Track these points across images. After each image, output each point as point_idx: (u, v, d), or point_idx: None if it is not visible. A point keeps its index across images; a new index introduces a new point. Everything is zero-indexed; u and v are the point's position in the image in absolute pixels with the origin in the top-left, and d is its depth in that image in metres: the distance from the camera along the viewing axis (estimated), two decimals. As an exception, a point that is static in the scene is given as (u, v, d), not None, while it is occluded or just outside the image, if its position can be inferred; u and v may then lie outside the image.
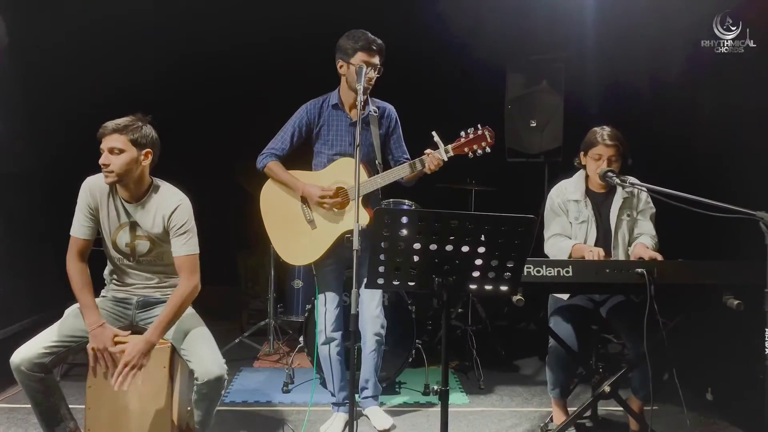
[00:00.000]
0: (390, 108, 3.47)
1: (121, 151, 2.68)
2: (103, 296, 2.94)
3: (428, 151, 3.18)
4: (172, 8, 4.73)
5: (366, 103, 3.33)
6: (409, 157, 3.44)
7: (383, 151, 3.44)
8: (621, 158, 3.13)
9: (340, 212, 3.29)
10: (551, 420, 3.42)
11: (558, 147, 4.79)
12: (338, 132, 3.37)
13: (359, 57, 3.20)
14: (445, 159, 3.17)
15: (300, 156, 3.48)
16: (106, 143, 2.68)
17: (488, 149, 3.16)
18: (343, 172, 3.29)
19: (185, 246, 2.78)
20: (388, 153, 3.48)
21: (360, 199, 3.15)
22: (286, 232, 3.37)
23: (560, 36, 4.84)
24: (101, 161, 2.67)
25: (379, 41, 3.23)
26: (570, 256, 3.08)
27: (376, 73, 3.23)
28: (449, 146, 3.16)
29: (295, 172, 3.37)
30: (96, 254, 2.90)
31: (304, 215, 3.34)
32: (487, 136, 3.15)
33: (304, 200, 3.34)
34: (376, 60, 3.22)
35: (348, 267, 3.39)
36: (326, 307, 3.37)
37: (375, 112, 3.38)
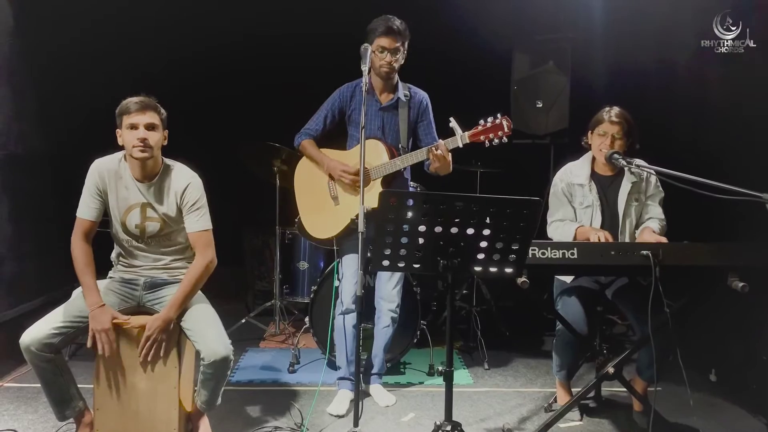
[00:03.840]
0: (422, 95, 3.52)
1: (156, 127, 2.73)
2: (111, 277, 2.96)
3: (438, 142, 3.20)
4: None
5: (396, 87, 3.45)
6: (437, 142, 3.47)
7: (413, 138, 3.52)
8: (626, 138, 3.11)
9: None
10: (555, 400, 3.45)
11: (564, 128, 4.76)
12: (367, 116, 3.40)
13: (377, 43, 3.28)
14: (461, 146, 3.18)
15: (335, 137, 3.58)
16: (141, 119, 2.69)
17: (505, 139, 3.16)
18: (366, 153, 3.33)
19: (199, 222, 2.83)
20: (417, 140, 3.53)
21: (379, 180, 3.33)
22: (313, 207, 3.54)
23: (567, 16, 4.79)
24: (140, 136, 2.68)
25: (398, 25, 3.27)
26: (574, 239, 3.08)
27: (393, 56, 3.29)
28: (466, 133, 3.17)
29: (326, 150, 3.51)
30: (101, 236, 2.92)
31: (329, 192, 3.47)
32: (505, 126, 3.14)
33: (330, 177, 3.47)
34: (394, 44, 3.27)
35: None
36: (347, 278, 3.44)
37: (405, 97, 3.44)
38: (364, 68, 2.99)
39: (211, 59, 5.18)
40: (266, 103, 5.36)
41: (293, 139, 3.55)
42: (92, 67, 4.63)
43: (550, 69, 4.81)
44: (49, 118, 4.41)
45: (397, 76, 3.43)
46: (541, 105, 4.79)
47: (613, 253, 2.68)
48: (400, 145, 3.43)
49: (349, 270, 3.44)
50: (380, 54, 3.28)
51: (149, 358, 2.70)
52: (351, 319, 3.45)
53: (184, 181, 2.82)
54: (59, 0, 4.32)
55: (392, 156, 3.34)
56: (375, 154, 3.33)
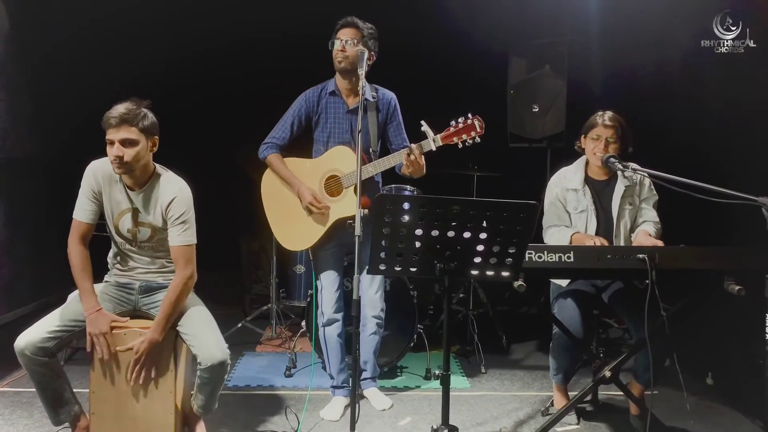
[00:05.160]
0: (390, 95, 3.46)
1: (134, 142, 2.65)
2: (107, 281, 2.95)
3: (410, 147, 3.16)
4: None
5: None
6: (409, 145, 3.44)
7: (383, 140, 3.46)
8: (620, 141, 3.12)
9: (333, 200, 3.32)
10: (552, 404, 3.45)
11: (560, 132, 4.76)
12: (336, 119, 3.39)
13: (335, 37, 3.27)
14: (434, 148, 3.16)
15: (303, 143, 3.52)
16: (117, 135, 2.63)
17: (478, 139, 3.15)
18: (337, 160, 3.33)
19: (181, 236, 2.78)
20: (388, 141, 3.48)
21: (351, 188, 3.25)
22: (284, 218, 3.44)
23: (563, 20, 4.80)
24: (114, 153, 2.63)
25: (350, 18, 3.27)
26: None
27: (348, 46, 3.23)
28: (438, 135, 3.15)
29: (292, 159, 3.43)
30: (99, 239, 2.91)
31: (301, 202, 3.39)
32: (477, 126, 3.14)
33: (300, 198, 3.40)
34: (347, 35, 3.25)
35: (349, 252, 3.42)
36: (326, 288, 3.40)
37: (373, 98, 3.38)
38: (361, 72, 2.99)
39: (208, 61, 5.19)
40: (264, 106, 5.33)
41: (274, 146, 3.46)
42: (88, 69, 4.63)
43: (547, 73, 4.82)
44: (45, 121, 4.40)
45: (363, 79, 3.38)
46: (537, 109, 4.80)
47: (609, 256, 2.69)
48: (370, 149, 3.37)
49: (327, 280, 3.41)
50: (336, 45, 3.25)
51: (140, 381, 2.69)
52: (334, 329, 3.44)
53: (170, 195, 2.77)
54: (55, 2, 4.32)
55: (363, 162, 3.25)
56: (346, 162, 3.27)
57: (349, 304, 3.53)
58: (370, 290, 3.46)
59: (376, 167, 3.25)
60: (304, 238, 3.38)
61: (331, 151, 3.37)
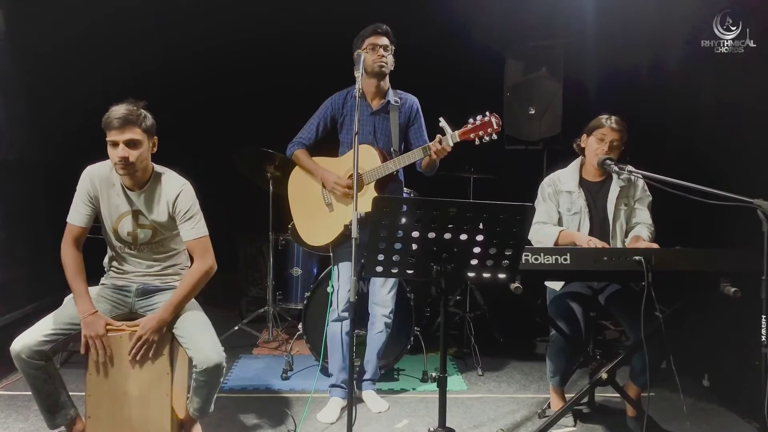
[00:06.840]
0: (413, 99, 3.55)
1: (138, 143, 2.66)
2: (103, 284, 2.95)
3: (439, 136, 3.19)
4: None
5: (387, 92, 3.47)
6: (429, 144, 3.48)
7: (404, 141, 3.53)
8: (623, 146, 3.15)
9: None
10: (549, 406, 3.44)
11: (557, 134, 4.78)
12: (359, 121, 3.41)
13: (368, 42, 3.34)
14: (452, 144, 3.19)
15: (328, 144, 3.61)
16: (121, 136, 2.63)
17: (495, 136, 3.16)
18: (359, 158, 3.35)
19: (194, 230, 2.81)
20: (409, 143, 3.54)
21: (372, 184, 3.32)
22: (307, 214, 3.55)
23: (560, 23, 4.81)
24: (119, 155, 2.63)
25: (384, 26, 3.36)
26: (557, 243, 3.10)
27: (386, 52, 3.35)
28: (456, 132, 3.18)
29: (318, 158, 3.53)
30: (93, 242, 2.91)
31: (323, 199, 3.49)
32: (494, 123, 3.15)
33: (323, 185, 3.49)
34: (383, 41, 3.34)
35: None
36: (342, 288, 3.43)
37: (396, 102, 3.47)
38: (358, 74, 3.02)
39: (205, 62, 5.18)
40: (260, 107, 5.36)
41: (287, 145, 3.56)
42: (85, 71, 4.62)
43: (543, 75, 4.83)
44: (41, 123, 4.39)
45: (388, 82, 3.45)
46: (533, 111, 4.81)
47: (605, 258, 2.69)
48: (392, 149, 3.44)
49: (343, 277, 3.45)
50: (373, 51, 3.32)
51: (138, 358, 2.68)
52: (346, 326, 3.44)
53: (176, 190, 2.80)
54: (51, 3, 4.31)
55: (384, 160, 3.34)
56: (367, 159, 3.33)
57: (361, 306, 3.60)
58: (383, 290, 3.52)
59: (395, 164, 3.30)
60: (325, 233, 3.46)
61: (353, 150, 3.41)
